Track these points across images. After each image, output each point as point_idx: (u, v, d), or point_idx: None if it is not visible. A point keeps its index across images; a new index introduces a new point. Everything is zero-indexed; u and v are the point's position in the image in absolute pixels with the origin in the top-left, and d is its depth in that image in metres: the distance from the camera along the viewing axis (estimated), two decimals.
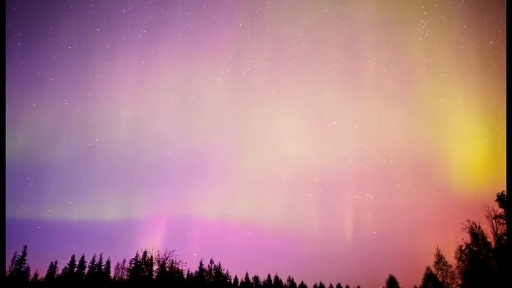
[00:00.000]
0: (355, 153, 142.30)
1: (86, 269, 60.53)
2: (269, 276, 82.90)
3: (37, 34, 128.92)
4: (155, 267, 55.57)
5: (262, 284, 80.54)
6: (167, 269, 54.73)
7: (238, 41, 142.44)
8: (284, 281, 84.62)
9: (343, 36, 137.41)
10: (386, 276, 75.40)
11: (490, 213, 36.36)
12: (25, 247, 56.88)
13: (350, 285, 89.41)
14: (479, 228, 39.24)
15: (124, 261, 65.86)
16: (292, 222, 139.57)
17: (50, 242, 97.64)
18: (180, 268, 57.42)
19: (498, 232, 36.02)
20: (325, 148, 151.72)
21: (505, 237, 35.06)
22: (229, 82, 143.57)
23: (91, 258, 61.72)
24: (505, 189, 33.65)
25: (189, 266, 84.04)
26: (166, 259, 54.27)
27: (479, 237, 38.96)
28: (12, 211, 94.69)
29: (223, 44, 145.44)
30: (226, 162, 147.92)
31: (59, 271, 60.09)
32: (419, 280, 59.10)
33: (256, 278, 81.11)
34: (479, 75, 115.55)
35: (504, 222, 35.20)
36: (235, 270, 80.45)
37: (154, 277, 55.14)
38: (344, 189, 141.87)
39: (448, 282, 48.70)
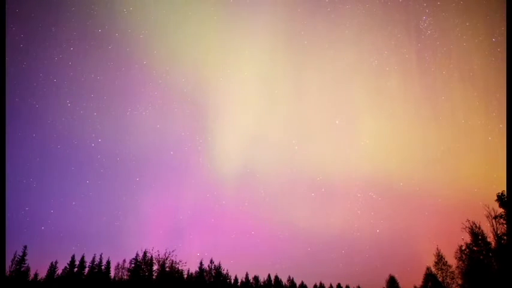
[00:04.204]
0: (357, 152, 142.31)
1: (86, 269, 60.52)
2: (269, 276, 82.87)
3: (39, 35, 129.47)
4: (155, 267, 55.56)
5: (262, 284, 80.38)
6: (167, 269, 54.61)
7: (239, 42, 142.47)
8: (284, 281, 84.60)
9: (345, 35, 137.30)
10: (387, 276, 75.30)
11: (490, 213, 36.12)
12: (25, 247, 57.00)
13: (350, 285, 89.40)
14: (479, 228, 39.14)
15: (124, 261, 66.20)
16: (295, 221, 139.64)
17: (52, 242, 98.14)
18: (180, 268, 57.38)
19: (498, 232, 35.77)
20: (328, 147, 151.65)
21: (505, 237, 34.84)
22: (231, 82, 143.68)
23: (91, 258, 61.86)
24: (505, 189, 33.37)
25: (190, 265, 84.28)
26: (166, 259, 54.18)
27: (479, 237, 38.79)
28: (16, 212, 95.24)
29: (224, 45, 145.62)
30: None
31: (59, 271, 60.20)
32: (419, 280, 59.10)
33: (256, 278, 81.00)
34: (482, 72, 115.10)
35: (504, 222, 34.96)
36: (237, 270, 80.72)
37: (154, 277, 55.09)
38: (347, 188, 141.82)
39: (448, 282, 48.53)
